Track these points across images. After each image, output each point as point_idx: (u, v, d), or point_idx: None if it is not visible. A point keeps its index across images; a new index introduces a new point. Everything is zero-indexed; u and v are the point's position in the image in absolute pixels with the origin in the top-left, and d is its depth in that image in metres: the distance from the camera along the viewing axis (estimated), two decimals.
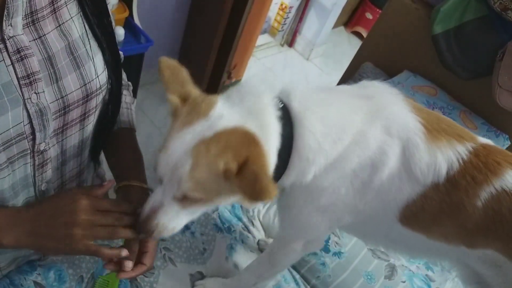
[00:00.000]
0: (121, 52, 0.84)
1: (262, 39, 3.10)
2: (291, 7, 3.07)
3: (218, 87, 2.47)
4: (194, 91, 0.67)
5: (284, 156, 0.67)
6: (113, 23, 0.76)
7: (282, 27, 3.20)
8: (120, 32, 1.69)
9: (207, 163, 0.58)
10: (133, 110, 0.89)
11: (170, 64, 0.66)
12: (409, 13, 1.74)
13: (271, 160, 0.64)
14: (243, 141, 0.59)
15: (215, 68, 2.33)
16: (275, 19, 3.18)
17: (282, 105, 0.67)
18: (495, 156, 0.73)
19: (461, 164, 0.70)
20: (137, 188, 0.77)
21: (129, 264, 0.69)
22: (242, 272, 0.96)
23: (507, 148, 1.63)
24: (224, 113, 0.62)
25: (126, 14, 1.75)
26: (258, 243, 1.12)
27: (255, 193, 0.56)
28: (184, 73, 0.67)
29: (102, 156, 0.89)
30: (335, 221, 0.80)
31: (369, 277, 1.13)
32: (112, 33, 0.71)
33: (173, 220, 0.66)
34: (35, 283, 0.83)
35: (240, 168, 0.57)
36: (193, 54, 2.39)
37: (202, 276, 0.98)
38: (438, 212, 0.73)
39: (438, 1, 1.64)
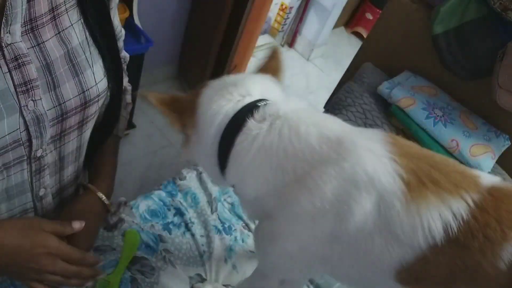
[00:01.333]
0: (126, 54, 0.84)
1: (262, 39, 3.09)
2: (291, 8, 3.07)
3: None
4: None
5: (225, 147, 0.67)
6: (120, 28, 0.75)
7: (282, 27, 3.20)
8: None
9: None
10: (124, 116, 0.87)
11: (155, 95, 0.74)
12: (409, 14, 1.74)
13: (210, 119, 0.68)
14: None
15: (215, 69, 2.33)
16: (275, 20, 3.18)
17: (255, 104, 0.67)
18: (508, 205, 0.60)
19: (461, 224, 0.59)
20: (98, 201, 0.77)
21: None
22: None
23: (507, 149, 1.63)
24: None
25: (127, 14, 1.75)
26: None
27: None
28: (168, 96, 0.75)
29: None
30: (306, 269, 0.75)
31: None
32: (113, 39, 0.70)
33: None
34: None
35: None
36: (194, 55, 2.39)
37: (201, 278, 0.98)
38: (450, 277, 0.63)
39: (438, 1, 1.64)
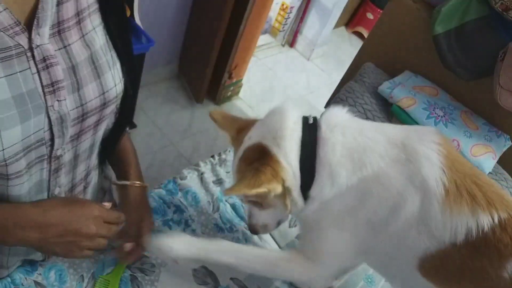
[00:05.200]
0: None
1: (263, 39, 3.10)
2: (292, 7, 3.08)
3: (219, 87, 2.48)
4: (243, 121, 0.86)
5: (309, 164, 0.75)
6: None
7: (283, 27, 3.20)
8: None
9: (241, 177, 0.76)
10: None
11: (218, 112, 0.89)
12: (410, 13, 1.74)
13: (291, 163, 0.75)
14: (257, 153, 0.76)
15: (216, 68, 2.34)
16: (276, 19, 3.18)
17: (312, 121, 0.78)
18: None
19: (480, 234, 0.70)
20: (136, 188, 0.88)
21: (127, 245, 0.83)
22: (226, 244, 0.86)
23: (508, 149, 1.63)
24: (252, 135, 0.79)
25: (127, 14, 1.75)
26: None
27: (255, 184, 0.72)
28: (230, 116, 0.89)
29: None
30: (353, 247, 0.81)
31: (369, 280, 1.13)
32: (129, 43, 0.74)
33: (260, 219, 0.85)
34: (36, 282, 0.83)
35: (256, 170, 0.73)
36: (194, 54, 2.39)
37: (206, 270, 0.98)
38: (460, 273, 0.75)
39: (439, 1, 1.64)
